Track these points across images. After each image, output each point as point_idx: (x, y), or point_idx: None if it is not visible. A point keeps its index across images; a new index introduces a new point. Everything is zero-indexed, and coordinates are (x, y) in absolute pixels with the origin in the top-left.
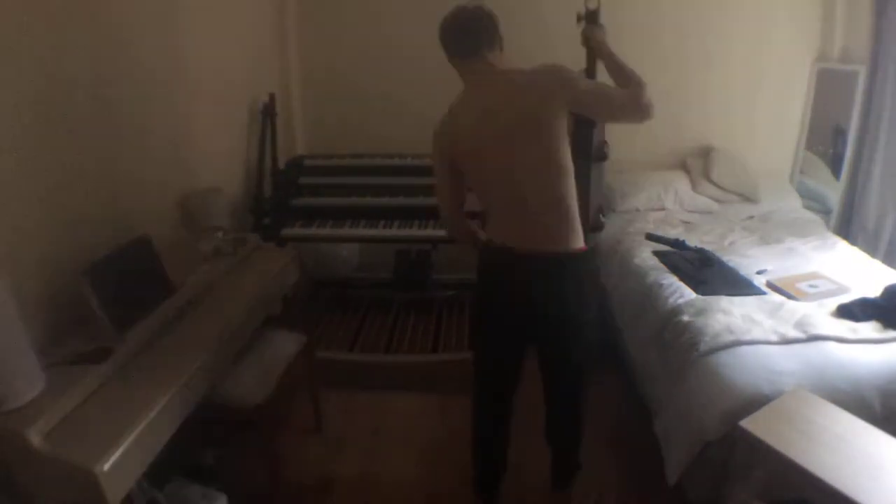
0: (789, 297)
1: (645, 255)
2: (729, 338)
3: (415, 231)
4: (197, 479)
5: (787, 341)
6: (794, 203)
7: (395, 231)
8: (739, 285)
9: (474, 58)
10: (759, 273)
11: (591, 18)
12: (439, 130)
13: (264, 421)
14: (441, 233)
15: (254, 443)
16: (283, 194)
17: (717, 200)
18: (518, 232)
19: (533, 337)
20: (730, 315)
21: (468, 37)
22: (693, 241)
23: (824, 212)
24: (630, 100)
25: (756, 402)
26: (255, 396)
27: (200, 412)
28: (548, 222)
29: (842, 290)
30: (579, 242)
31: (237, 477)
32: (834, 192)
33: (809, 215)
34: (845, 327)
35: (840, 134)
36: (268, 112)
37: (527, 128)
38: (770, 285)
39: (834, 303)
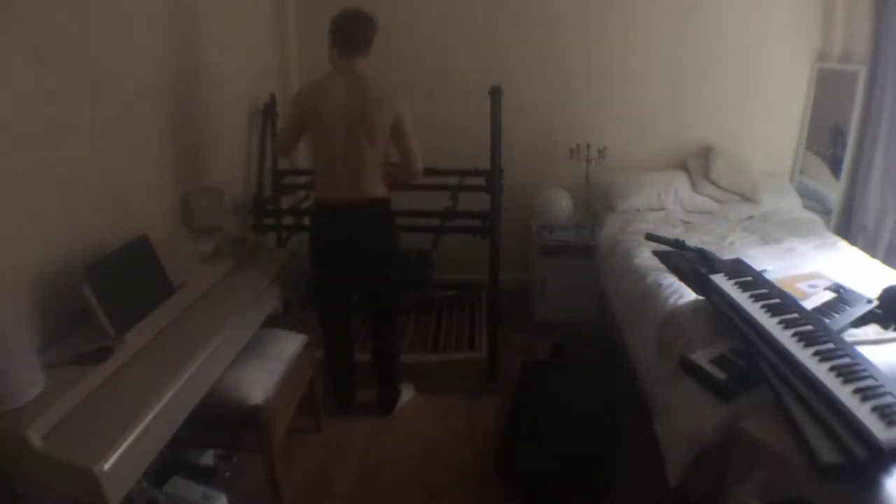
0: None
1: (645, 256)
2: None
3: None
4: (197, 478)
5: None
6: (794, 203)
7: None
8: None
9: (349, 57)
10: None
11: None
12: (303, 95)
13: (264, 421)
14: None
15: (254, 443)
16: (282, 193)
17: (717, 200)
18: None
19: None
20: None
21: (354, 39)
22: (693, 241)
23: (824, 212)
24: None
25: (756, 404)
26: (255, 396)
27: (200, 411)
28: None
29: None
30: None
31: (237, 477)
32: (834, 192)
33: (809, 215)
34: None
35: (840, 134)
36: (268, 112)
37: (365, 124)
38: None
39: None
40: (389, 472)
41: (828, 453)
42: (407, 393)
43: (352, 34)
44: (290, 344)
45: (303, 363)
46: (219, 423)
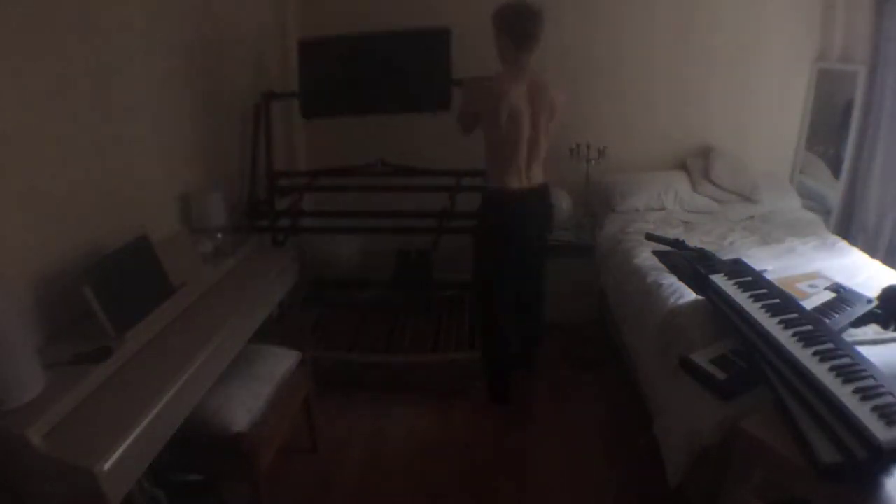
0: None
1: (645, 255)
2: (729, 342)
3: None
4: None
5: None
6: (794, 203)
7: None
8: None
9: (527, 55)
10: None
11: None
12: (486, 86)
13: (248, 450)
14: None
15: (237, 471)
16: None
17: (717, 200)
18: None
19: None
20: None
21: (533, 38)
22: (693, 241)
23: (824, 212)
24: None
25: (756, 403)
26: (239, 423)
27: (181, 435)
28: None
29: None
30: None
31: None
32: (834, 192)
33: (809, 215)
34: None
35: (840, 134)
36: (260, 113)
37: (540, 122)
38: None
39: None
40: (389, 472)
41: (828, 453)
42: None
43: (530, 33)
44: (282, 362)
45: (296, 382)
46: (200, 449)
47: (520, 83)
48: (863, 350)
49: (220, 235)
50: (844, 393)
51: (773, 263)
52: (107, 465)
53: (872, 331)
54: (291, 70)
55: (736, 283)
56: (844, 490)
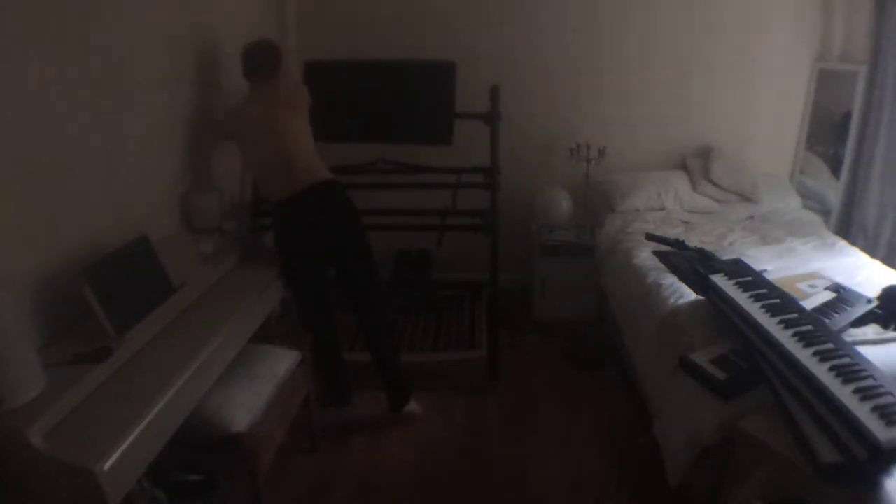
0: None
1: (645, 255)
2: (728, 342)
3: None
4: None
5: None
6: (793, 203)
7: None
8: None
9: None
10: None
11: None
12: (231, 115)
13: (247, 450)
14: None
15: (237, 471)
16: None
17: (717, 200)
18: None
19: None
20: None
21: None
22: (693, 241)
23: (824, 212)
24: None
25: (755, 404)
26: (239, 423)
27: (181, 435)
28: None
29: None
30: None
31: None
32: (834, 192)
33: (809, 215)
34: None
35: (840, 134)
36: None
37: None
38: None
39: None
40: (389, 472)
41: (828, 453)
42: (415, 406)
43: (253, 60)
44: (282, 362)
45: (296, 382)
46: (200, 449)
47: (254, 108)
48: (863, 350)
49: (220, 235)
50: (844, 393)
51: (773, 263)
52: (107, 465)
53: (872, 331)
54: (292, 70)
55: (736, 283)
56: (844, 490)
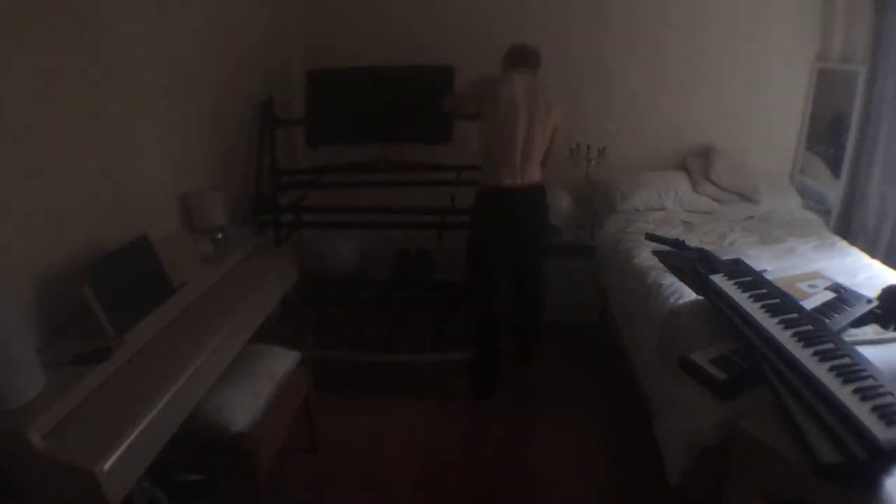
0: None
1: (645, 256)
2: (729, 342)
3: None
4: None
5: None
6: (794, 203)
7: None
8: None
9: (524, 68)
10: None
11: None
12: (488, 79)
13: (247, 450)
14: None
15: (237, 471)
16: (281, 189)
17: (717, 200)
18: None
19: None
20: None
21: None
22: (693, 241)
23: (824, 212)
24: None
25: (755, 404)
26: (239, 423)
27: (181, 435)
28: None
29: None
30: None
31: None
32: (834, 192)
33: (809, 215)
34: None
35: (840, 134)
36: (266, 112)
37: (536, 122)
38: None
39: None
40: (389, 472)
41: (828, 453)
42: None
43: (523, 53)
44: (282, 362)
45: (296, 382)
46: (200, 449)
47: (519, 83)
48: (863, 350)
49: (220, 235)
50: (844, 393)
51: (773, 263)
52: (107, 465)
53: (872, 331)
54: (291, 72)
55: (736, 284)
56: (844, 490)
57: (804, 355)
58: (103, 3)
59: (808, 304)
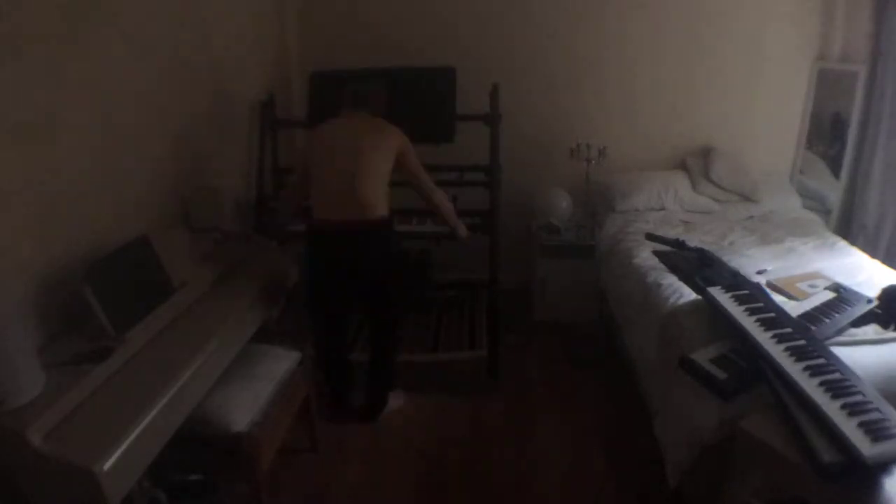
0: (789, 297)
1: (645, 255)
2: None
3: (415, 227)
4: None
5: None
6: (794, 203)
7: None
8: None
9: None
10: (758, 273)
11: None
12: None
13: (247, 450)
14: (441, 229)
15: (237, 471)
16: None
17: (717, 200)
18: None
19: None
20: None
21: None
22: (693, 241)
23: (824, 212)
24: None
25: (755, 404)
26: (239, 423)
27: (181, 435)
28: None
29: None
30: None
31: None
32: (834, 192)
33: (809, 215)
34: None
35: (840, 134)
36: (267, 111)
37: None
38: (770, 285)
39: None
40: (389, 473)
41: (828, 453)
42: (395, 401)
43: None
44: (282, 362)
45: (296, 382)
46: (200, 449)
47: (339, 125)
48: (863, 350)
49: (219, 235)
50: (832, 408)
51: (773, 263)
52: (107, 465)
53: (873, 331)
54: (291, 72)
55: (732, 296)
56: (844, 490)
57: (795, 370)
58: (104, 9)
59: (809, 304)
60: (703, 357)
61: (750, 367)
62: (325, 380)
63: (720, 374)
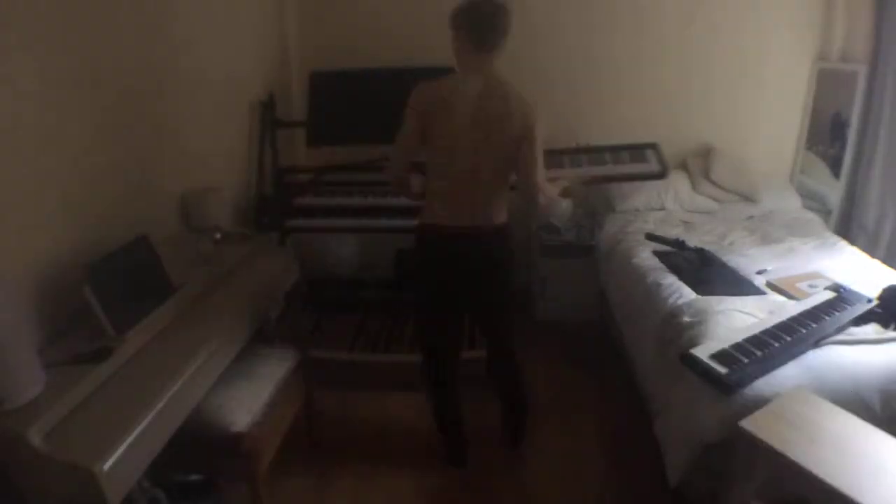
0: (789, 297)
1: (645, 255)
2: (729, 339)
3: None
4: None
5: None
6: (794, 203)
7: (397, 221)
8: (739, 285)
9: (487, 55)
10: (759, 273)
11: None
12: (427, 93)
13: (248, 450)
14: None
15: (237, 471)
16: (285, 192)
17: (717, 200)
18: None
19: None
20: (730, 316)
21: (492, 33)
22: (693, 241)
23: (824, 212)
24: (540, 187)
25: (755, 403)
26: (239, 423)
27: (181, 435)
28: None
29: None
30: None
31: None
32: (834, 192)
33: (809, 215)
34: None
35: (840, 134)
36: (267, 110)
37: (496, 143)
38: (770, 285)
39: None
40: (389, 473)
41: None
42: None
43: (485, 29)
44: (282, 362)
45: (296, 382)
46: (200, 449)
47: (470, 88)
48: (863, 349)
49: (219, 235)
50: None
51: (773, 263)
52: (107, 465)
53: (873, 330)
54: (291, 72)
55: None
56: (844, 490)
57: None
58: (105, 10)
59: (809, 304)
60: (703, 352)
61: (751, 362)
62: (439, 428)
63: (721, 369)
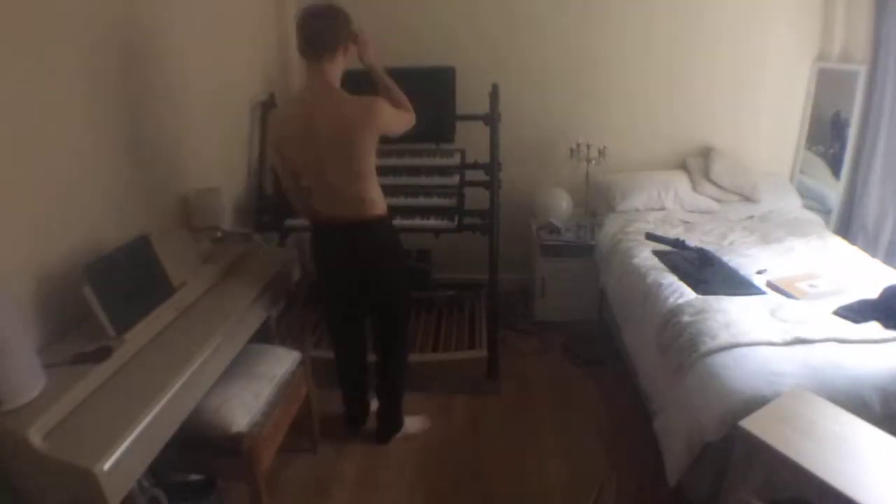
0: (789, 296)
1: (645, 255)
2: (728, 339)
3: (416, 222)
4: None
5: (786, 342)
6: (794, 203)
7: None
8: (739, 285)
9: (317, 65)
10: (759, 273)
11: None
12: (274, 126)
13: (247, 450)
14: (444, 224)
15: (237, 471)
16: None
17: (717, 200)
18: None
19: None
20: (729, 315)
21: (318, 41)
22: (693, 241)
23: (824, 212)
24: (410, 117)
25: (755, 403)
26: (239, 423)
27: (181, 435)
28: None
29: (841, 290)
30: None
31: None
32: (834, 192)
33: (809, 215)
34: (845, 328)
35: (840, 134)
36: (268, 111)
37: (339, 148)
38: (770, 285)
39: (834, 303)
40: (388, 473)
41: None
42: (420, 424)
43: (310, 37)
44: (282, 362)
45: (296, 382)
46: (200, 449)
47: (308, 102)
48: (863, 349)
49: (219, 235)
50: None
51: (772, 263)
52: (107, 465)
53: (874, 330)
54: (291, 72)
55: None
56: (844, 490)
57: None
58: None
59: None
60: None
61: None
62: (342, 396)
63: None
